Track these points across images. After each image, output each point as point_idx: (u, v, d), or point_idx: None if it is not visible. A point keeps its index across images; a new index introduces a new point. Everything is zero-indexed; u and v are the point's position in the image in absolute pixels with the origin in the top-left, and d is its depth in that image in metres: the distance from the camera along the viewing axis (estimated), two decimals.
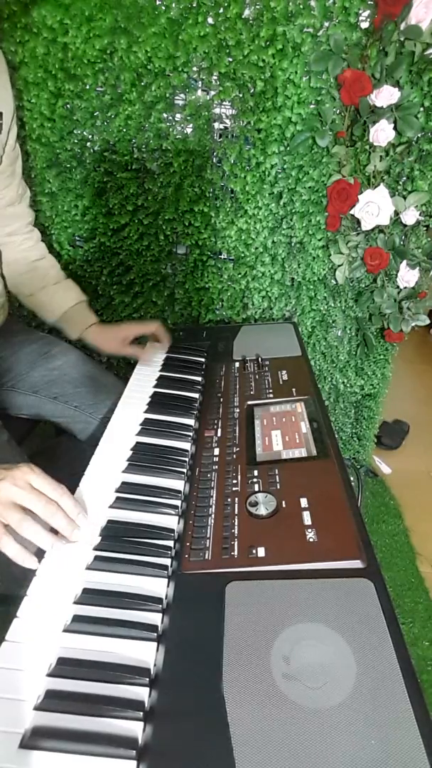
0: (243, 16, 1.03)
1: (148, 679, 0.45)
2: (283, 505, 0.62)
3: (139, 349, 1.04)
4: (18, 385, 1.01)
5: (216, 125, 1.15)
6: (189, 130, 1.15)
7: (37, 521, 0.57)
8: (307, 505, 0.62)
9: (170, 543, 0.60)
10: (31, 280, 1.03)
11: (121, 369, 1.42)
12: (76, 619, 0.50)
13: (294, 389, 0.89)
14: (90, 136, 1.16)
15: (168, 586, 0.54)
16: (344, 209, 1.17)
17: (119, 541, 0.59)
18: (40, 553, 0.57)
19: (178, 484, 0.69)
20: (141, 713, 0.42)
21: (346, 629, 0.47)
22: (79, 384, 1.01)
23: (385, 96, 1.05)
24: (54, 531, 0.58)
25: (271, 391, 0.89)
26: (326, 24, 1.04)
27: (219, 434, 0.80)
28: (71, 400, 1.00)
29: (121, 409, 0.86)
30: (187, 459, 0.74)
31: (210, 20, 1.03)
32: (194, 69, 1.08)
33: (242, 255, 1.29)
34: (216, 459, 0.74)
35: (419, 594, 1.34)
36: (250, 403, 0.87)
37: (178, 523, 0.63)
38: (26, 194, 1.04)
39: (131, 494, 0.66)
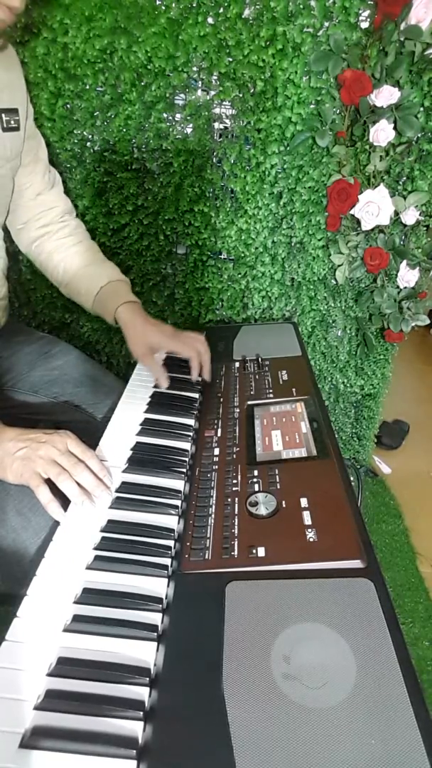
0: (243, 16, 1.03)
1: (148, 679, 0.45)
2: (283, 505, 0.62)
3: (160, 370, 0.91)
4: (18, 385, 1.01)
5: (216, 125, 1.15)
6: (189, 130, 1.15)
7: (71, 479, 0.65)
8: (307, 505, 0.62)
9: (170, 543, 0.60)
10: (65, 268, 1.00)
11: (121, 369, 1.42)
12: (77, 618, 0.50)
13: (294, 389, 0.89)
14: (90, 136, 1.16)
15: (168, 585, 0.54)
16: (344, 209, 1.17)
17: (119, 541, 0.59)
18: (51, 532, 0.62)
19: (178, 484, 0.69)
20: (141, 713, 0.43)
21: (346, 629, 0.47)
22: (79, 384, 1.01)
23: (385, 96, 1.05)
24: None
25: (271, 391, 0.89)
26: (326, 24, 1.04)
27: (219, 434, 0.80)
28: (71, 399, 1.00)
29: (121, 408, 0.86)
30: (187, 459, 0.74)
31: (210, 20, 1.03)
32: (194, 69, 1.08)
33: (242, 255, 1.29)
34: (216, 459, 0.74)
35: (419, 594, 1.34)
36: (250, 403, 0.87)
37: (178, 523, 0.63)
38: (57, 182, 1.04)
39: (131, 494, 0.67)
